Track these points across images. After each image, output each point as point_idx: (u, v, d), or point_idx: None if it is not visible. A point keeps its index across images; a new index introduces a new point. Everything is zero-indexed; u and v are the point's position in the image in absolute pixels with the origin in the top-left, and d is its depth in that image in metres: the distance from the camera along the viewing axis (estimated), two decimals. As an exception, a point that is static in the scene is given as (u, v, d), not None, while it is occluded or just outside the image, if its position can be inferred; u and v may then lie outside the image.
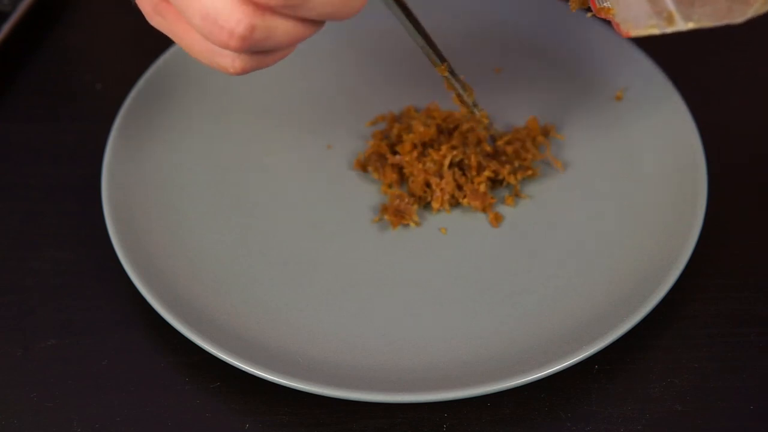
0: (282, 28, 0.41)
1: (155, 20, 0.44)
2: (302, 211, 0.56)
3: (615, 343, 0.49)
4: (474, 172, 0.56)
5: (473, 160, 0.56)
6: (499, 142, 0.58)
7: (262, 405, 0.49)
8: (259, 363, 0.48)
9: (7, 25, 0.64)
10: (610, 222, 0.55)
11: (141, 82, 0.60)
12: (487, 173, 0.56)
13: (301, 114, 0.61)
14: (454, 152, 0.56)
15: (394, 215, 0.55)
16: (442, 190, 0.55)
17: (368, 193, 0.57)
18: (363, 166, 0.58)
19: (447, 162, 0.56)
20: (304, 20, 0.41)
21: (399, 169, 0.57)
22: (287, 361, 0.48)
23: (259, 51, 0.42)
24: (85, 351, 0.51)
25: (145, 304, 0.50)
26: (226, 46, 0.41)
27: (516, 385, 0.47)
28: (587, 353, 0.48)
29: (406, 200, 0.55)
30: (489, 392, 0.47)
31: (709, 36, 0.63)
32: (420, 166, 0.56)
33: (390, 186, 0.57)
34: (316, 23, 0.42)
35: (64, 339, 0.51)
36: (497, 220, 0.55)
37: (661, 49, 0.63)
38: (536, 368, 0.47)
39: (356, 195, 0.57)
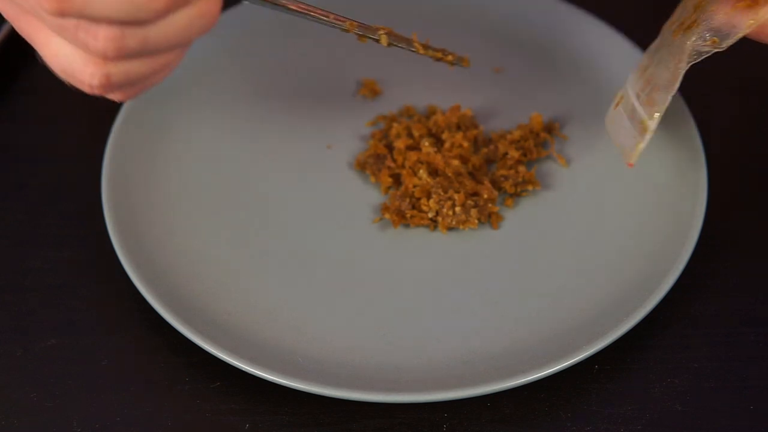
0: (137, 66, 0.42)
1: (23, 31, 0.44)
2: (302, 211, 0.56)
3: (615, 343, 0.49)
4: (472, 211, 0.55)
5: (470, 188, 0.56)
6: (501, 145, 0.58)
7: (262, 405, 0.49)
8: (259, 363, 0.48)
9: (7, 25, 0.64)
10: (610, 222, 0.55)
11: (141, 82, 0.60)
12: (486, 196, 0.56)
13: (301, 114, 0.61)
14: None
15: (395, 214, 0.55)
16: (443, 217, 0.55)
17: (368, 193, 0.57)
18: (363, 166, 0.58)
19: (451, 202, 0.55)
20: (156, 53, 0.42)
21: (396, 171, 0.57)
22: (287, 361, 0.48)
23: (126, 84, 0.43)
24: (85, 351, 0.51)
25: (145, 304, 0.50)
26: (91, 92, 0.43)
27: (516, 385, 0.47)
28: (587, 353, 0.48)
29: (408, 201, 0.55)
30: (489, 392, 0.47)
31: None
32: (415, 179, 0.56)
33: (389, 188, 0.57)
34: (173, 50, 0.43)
35: (64, 339, 0.52)
36: (497, 220, 0.55)
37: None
38: (536, 368, 0.47)
39: (356, 195, 0.57)
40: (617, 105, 0.55)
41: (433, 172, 0.57)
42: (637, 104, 0.53)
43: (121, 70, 0.42)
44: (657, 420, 0.48)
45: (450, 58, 0.55)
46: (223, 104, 0.61)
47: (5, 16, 0.44)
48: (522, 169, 0.57)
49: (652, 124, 0.51)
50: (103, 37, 0.40)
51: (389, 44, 0.52)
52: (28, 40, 0.44)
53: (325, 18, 0.50)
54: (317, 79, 0.63)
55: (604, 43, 0.63)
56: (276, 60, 0.64)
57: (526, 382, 0.47)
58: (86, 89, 0.43)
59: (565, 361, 0.48)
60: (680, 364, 0.51)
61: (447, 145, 0.58)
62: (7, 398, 0.49)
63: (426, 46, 0.54)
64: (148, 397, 0.49)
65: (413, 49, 0.54)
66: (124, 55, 0.41)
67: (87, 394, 0.49)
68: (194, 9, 0.41)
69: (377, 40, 0.52)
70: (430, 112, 0.60)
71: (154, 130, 0.59)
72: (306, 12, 0.50)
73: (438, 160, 0.57)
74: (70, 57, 0.41)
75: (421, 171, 0.56)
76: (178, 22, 0.41)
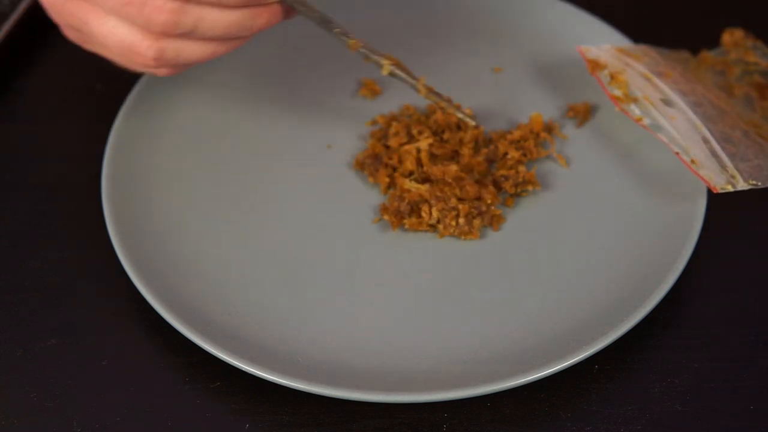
0: (189, 48, 0.48)
1: (71, 35, 0.50)
2: (302, 211, 0.56)
3: (615, 343, 0.49)
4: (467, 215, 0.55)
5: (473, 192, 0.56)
6: (501, 145, 0.58)
7: (262, 405, 0.49)
8: (259, 363, 0.48)
9: (7, 25, 0.64)
10: (610, 222, 0.55)
11: (141, 82, 0.60)
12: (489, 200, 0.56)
13: (301, 114, 0.61)
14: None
15: (394, 216, 0.55)
16: (445, 226, 0.55)
17: (368, 193, 0.57)
18: (362, 166, 0.58)
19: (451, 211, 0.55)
20: (209, 40, 0.48)
21: (392, 171, 0.57)
22: (287, 361, 0.48)
23: (176, 62, 0.49)
24: (85, 351, 0.51)
25: (145, 304, 0.50)
26: (146, 67, 0.49)
27: (516, 385, 0.47)
28: (587, 353, 0.48)
29: (406, 203, 0.55)
30: (489, 392, 0.47)
31: (706, 36, 0.63)
32: (412, 183, 0.56)
33: (388, 188, 0.57)
34: (226, 41, 0.49)
35: (64, 339, 0.52)
36: (498, 222, 0.55)
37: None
38: (536, 368, 0.47)
39: (356, 195, 0.57)
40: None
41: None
42: (718, 148, 0.54)
43: (173, 47, 0.47)
44: (657, 420, 0.48)
45: (452, 110, 0.57)
46: (224, 104, 0.61)
47: (46, 4, 0.49)
48: (522, 169, 0.57)
49: (745, 186, 0.53)
50: (167, 10, 0.45)
51: (390, 73, 0.55)
52: (77, 23, 0.48)
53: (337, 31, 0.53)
54: (317, 78, 0.63)
55: (605, 43, 0.63)
56: (276, 60, 0.64)
57: (526, 382, 0.47)
58: (139, 64, 0.48)
59: (565, 361, 0.48)
60: (680, 364, 0.51)
61: (447, 145, 0.58)
62: (7, 398, 0.49)
63: (430, 90, 0.56)
64: (148, 397, 0.49)
65: (415, 87, 0.56)
66: (178, 31, 0.46)
67: (87, 394, 0.49)
68: (257, 13, 0.48)
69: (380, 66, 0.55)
70: (430, 112, 0.60)
71: (154, 130, 0.59)
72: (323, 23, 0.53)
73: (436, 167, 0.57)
74: (128, 33, 0.47)
75: (416, 172, 0.56)
76: (234, 18, 0.47)
